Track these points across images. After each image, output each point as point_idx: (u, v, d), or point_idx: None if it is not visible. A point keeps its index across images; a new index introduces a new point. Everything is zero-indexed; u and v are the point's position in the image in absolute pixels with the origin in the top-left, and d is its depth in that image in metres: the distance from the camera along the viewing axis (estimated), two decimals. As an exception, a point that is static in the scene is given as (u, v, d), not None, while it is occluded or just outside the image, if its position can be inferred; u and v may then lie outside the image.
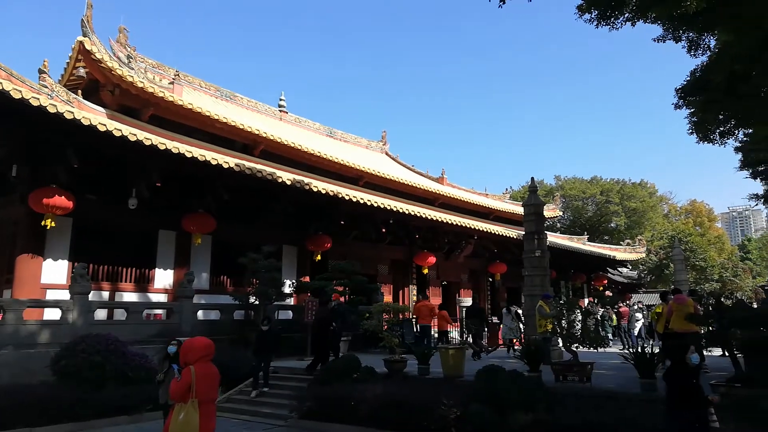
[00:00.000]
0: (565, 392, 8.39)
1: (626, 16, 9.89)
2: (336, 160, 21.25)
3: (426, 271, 22.74)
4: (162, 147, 12.28)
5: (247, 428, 9.81)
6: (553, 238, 30.55)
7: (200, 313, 14.39)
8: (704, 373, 10.33)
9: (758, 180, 19.47)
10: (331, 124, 30.30)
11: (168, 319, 13.73)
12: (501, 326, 17.22)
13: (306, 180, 15.79)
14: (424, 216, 19.28)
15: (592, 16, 9.98)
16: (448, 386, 9.25)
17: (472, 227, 22.00)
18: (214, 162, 13.31)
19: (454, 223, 20.89)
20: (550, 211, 35.77)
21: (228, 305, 14.92)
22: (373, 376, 10.34)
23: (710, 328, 8.83)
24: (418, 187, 25.21)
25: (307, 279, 18.00)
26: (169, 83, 17.80)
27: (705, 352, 10.99)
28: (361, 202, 16.80)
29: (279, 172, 15.16)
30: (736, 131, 12.17)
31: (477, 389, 8.43)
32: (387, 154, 33.22)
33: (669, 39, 10.53)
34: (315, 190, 15.58)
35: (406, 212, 18.62)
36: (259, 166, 14.81)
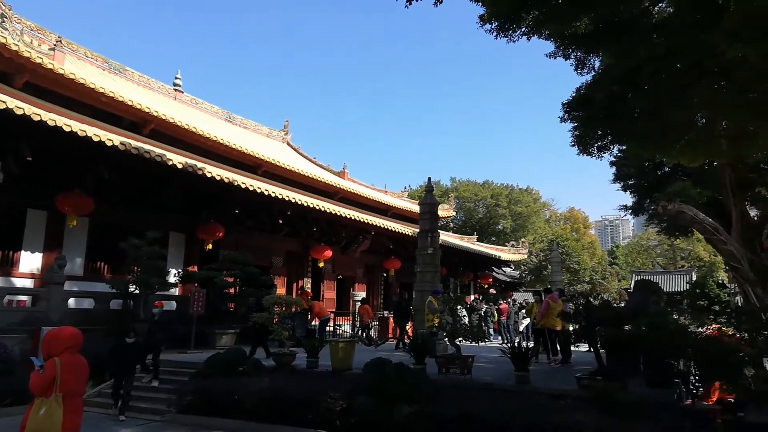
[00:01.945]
0: (447, 384, 8.74)
1: (523, 30, 10.43)
2: (234, 146, 20.49)
3: (322, 264, 22.65)
4: (36, 118, 11.10)
5: (120, 424, 9.19)
6: (446, 236, 31.76)
7: (72, 301, 13.26)
8: (570, 367, 11.29)
9: (628, 192, 21.55)
10: (231, 110, 29.00)
11: (34, 307, 12.49)
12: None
13: (199, 164, 15.05)
14: (323, 209, 19.16)
15: (492, 27, 10.43)
16: (336, 379, 9.32)
17: (371, 223, 22.24)
18: (96, 138, 12.25)
19: (353, 218, 20.99)
20: (445, 211, 37.14)
21: (104, 294, 13.85)
22: (260, 370, 10.14)
23: (579, 326, 9.58)
24: (319, 179, 25.03)
25: (195, 269, 17.20)
26: (50, 49, 16.12)
27: (573, 348, 12.02)
28: (259, 191, 16.34)
29: (170, 155, 14.30)
30: (612, 147, 13.20)
31: (364, 382, 8.54)
32: (289, 144, 32.64)
33: (560, 56, 11.21)
34: (209, 175, 14.90)
35: (305, 204, 18.40)
36: (147, 146, 13.88)
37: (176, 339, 13.94)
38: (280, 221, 19.34)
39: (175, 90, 25.28)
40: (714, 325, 11.82)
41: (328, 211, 19.42)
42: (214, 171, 15.27)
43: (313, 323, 16.85)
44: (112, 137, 12.77)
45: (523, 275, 49.41)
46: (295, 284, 22.32)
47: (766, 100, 9.93)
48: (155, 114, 17.63)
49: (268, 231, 20.11)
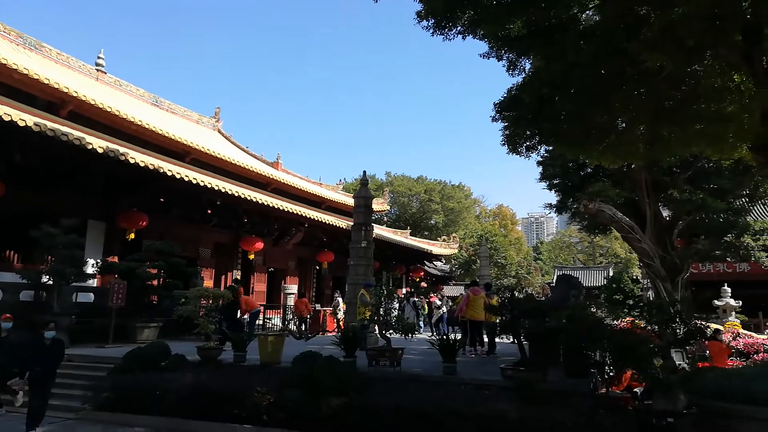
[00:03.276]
0: (377, 376, 8.79)
1: (459, 29, 10.61)
2: (160, 132, 19.60)
3: (252, 256, 22.15)
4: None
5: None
6: (380, 230, 31.94)
7: (-25, 292, 12.25)
8: (495, 358, 11.66)
9: (553, 191, 22.50)
10: (159, 94, 27.67)
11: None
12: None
13: (122, 150, 14.26)
14: (254, 200, 18.71)
15: (429, 24, 10.53)
16: (265, 373, 9.19)
17: (304, 215, 21.97)
18: (6, 118, 11.31)
19: (286, 210, 20.64)
20: (379, 204, 37.35)
21: (13, 284, 12.90)
22: (184, 364, 9.81)
23: (504, 318, 9.90)
24: (251, 169, 24.43)
25: (116, 259, 16.35)
26: (-48, 18, 14.74)
27: (498, 339, 12.42)
28: (186, 179, 15.71)
29: (90, 138, 13.46)
30: (540, 147, 13.71)
31: (293, 375, 8.46)
32: (220, 131, 31.64)
33: (493, 57, 11.48)
34: (132, 162, 14.15)
35: (236, 194, 17.89)
36: (65, 129, 13.00)
37: (93, 332, 13.22)
38: (209, 211, 18.74)
39: (98, 70, 23.82)
40: (628, 318, 12.56)
41: (259, 202, 18.99)
42: (138, 157, 14.53)
43: (244, 317, 16.49)
44: (25, 117, 11.85)
45: (454, 269, 50.65)
46: (223, 276, 21.73)
47: (680, 108, 10.64)
48: (74, 94, 16.55)
49: (196, 221, 19.43)
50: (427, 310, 21.78)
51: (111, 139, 15.22)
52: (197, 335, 12.79)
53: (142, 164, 14.40)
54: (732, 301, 20.11)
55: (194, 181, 16.00)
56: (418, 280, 39.26)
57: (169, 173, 15.19)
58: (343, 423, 7.60)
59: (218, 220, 19.90)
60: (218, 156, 22.47)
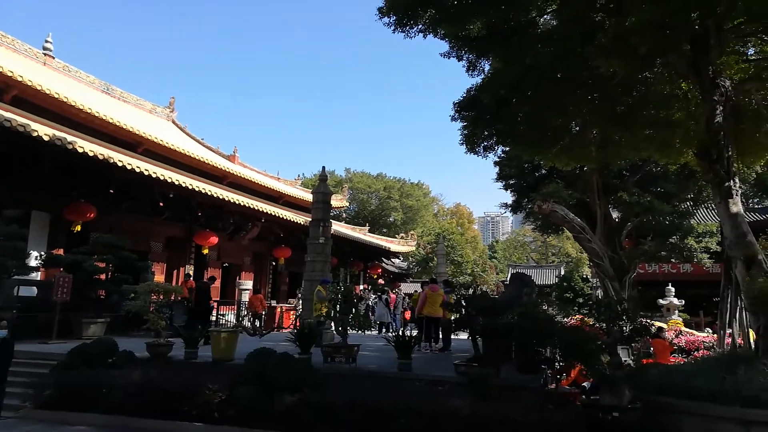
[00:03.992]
0: (332, 373, 8.76)
1: (420, 27, 10.65)
2: (111, 121, 18.90)
3: (206, 251, 21.64)
4: None
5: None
6: (338, 226, 31.82)
7: None
8: (450, 354, 11.80)
9: (509, 191, 22.95)
10: (111, 82, 26.62)
11: None
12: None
13: (70, 138, 13.66)
14: (209, 193, 18.28)
15: (391, 20, 10.53)
16: (217, 370, 9.01)
17: (261, 210, 21.61)
18: (-59, 99, 10.68)
19: (242, 204, 20.27)
20: (338, 201, 37.19)
21: (-52, 277, 12.19)
22: (132, 361, 9.50)
23: (459, 315, 10.03)
24: (206, 162, 23.87)
25: (61, 252, 15.68)
26: None
27: (453, 336, 12.57)
28: (138, 170, 15.19)
29: (35, 125, 12.84)
30: (497, 148, 13.96)
31: (246, 372, 8.32)
32: (174, 122, 30.79)
33: (453, 56, 11.59)
34: (80, 151, 13.57)
35: (190, 187, 17.41)
36: (8, 114, 12.35)
37: (36, 328, 12.64)
38: (162, 204, 18.19)
39: (45, 55, 22.75)
40: (577, 316, 12.93)
41: (214, 195, 18.57)
42: (87, 146, 13.95)
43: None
44: (-38, 100, 11.20)
45: (411, 266, 50.97)
46: (175, 271, 21.16)
47: (631, 113, 11.01)
48: (19, 78, 15.75)
49: (147, 214, 18.83)
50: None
51: (58, 127, 14.57)
52: (147, 331, 12.43)
53: (91, 154, 13.84)
54: (675, 300, 21.01)
55: (146, 173, 15.50)
56: (375, 277, 39.32)
57: (120, 164, 14.67)
58: (298, 420, 7.53)
59: (171, 213, 19.36)
60: (172, 147, 21.85)
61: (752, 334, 8.81)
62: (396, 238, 42.57)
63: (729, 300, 9.41)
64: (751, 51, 10.80)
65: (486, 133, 12.70)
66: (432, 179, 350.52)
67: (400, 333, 9.56)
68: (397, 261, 46.00)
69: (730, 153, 9.23)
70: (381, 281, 38.76)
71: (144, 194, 17.35)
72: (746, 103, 10.66)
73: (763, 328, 7.99)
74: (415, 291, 21.49)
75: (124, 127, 19.52)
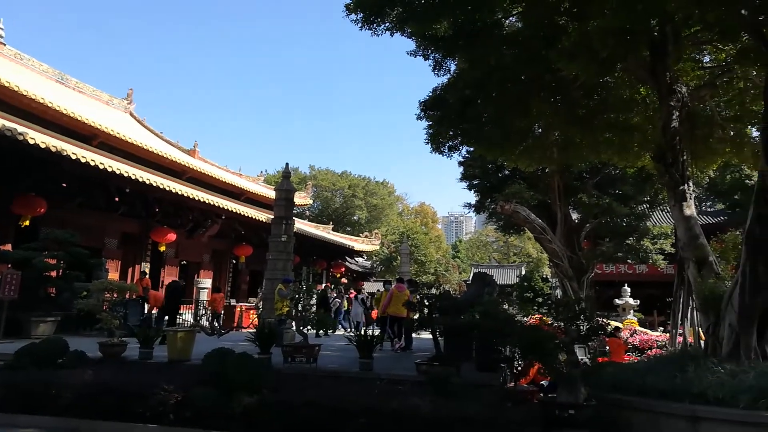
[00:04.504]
0: (293, 373, 8.63)
1: (387, 25, 10.60)
2: (65, 112, 18.18)
3: (163, 248, 21.06)
4: None
5: None
6: (301, 224, 31.52)
7: None
8: (411, 353, 11.81)
9: (472, 191, 23.22)
10: (66, 71, 25.64)
11: None
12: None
13: (21, 129, 13.05)
14: (167, 188, 17.77)
15: (358, 18, 10.46)
16: (173, 370, 8.76)
17: (222, 206, 21.18)
18: None
19: (202, 200, 19.80)
20: (302, 198, 36.86)
21: None
22: (84, 361, 9.14)
23: (421, 314, 10.03)
24: (165, 156, 23.23)
25: (9, 247, 14.99)
26: None
27: (415, 335, 12.59)
28: (92, 164, 14.63)
29: (-19, 113, 12.24)
30: (461, 148, 14.07)
31: (203, 372, 8.11)
32: (132, 114, 29.88)
33: (420, 55, 11.59)
34: (32, 142, 12.98)
35: (147, 182, 16.89)
36: (-49, 101, 11.73)
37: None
38: (117, 199, 17.64)
39: (-5, 41, 21.75)
40: (537, 315, 13.14)
41: (173, 191, 18.07)
42: (39, 137, 13.36)
43: (152, 312, 15.72)
44: None
45: (375, 265, 51.00)
46: (131, 269, 20.54)
47: (592, 116, 11.25)
48: (-36, 64, 14.97)
49: (101, 209, 18.22)
50: (346, 305, 21.72)
51: (9, 117, 13.91)
52: (100, 331, 12.00)
53: (42, 146, 13.25)
54: (631, 300, 21.64)
55: (101, 166, 14.95)
56: (339, 275, 39.17)
57: (73, 156, 14.10)
58: (256, 420, 7.38)
59: (127, 208, 18.78)
60: (129, 140, 21.18)
61: (702, 334, 9.12)
62: (360, 236, 42.50)
63: (681, 300, 9.72)
64: (707, 59, 11.20)
65: (451, 132, 12.76)
66: (397, 178, 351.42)
67: (363, 332, 9.49)
68: (360, 260, 45.94)
69: (684, 157, 9.53)
70: (344, 280, 38.62)
71: (98, 188, 16.77)
72: (701, 110, 11.04)
73: (712, 328, 8.27)
74: (378, 290, 21.44)
75: (79, 118, 18.82)
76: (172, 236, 20.66)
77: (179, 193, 18.45)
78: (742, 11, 7.81)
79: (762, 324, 7.73)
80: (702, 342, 8.99)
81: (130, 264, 20.58)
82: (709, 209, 34.10)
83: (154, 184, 17.24)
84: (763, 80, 8.49)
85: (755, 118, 10.87)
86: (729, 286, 8.11)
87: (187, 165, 24.69)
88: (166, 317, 15.13)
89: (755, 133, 11.44)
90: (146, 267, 20.60)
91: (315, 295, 19.46)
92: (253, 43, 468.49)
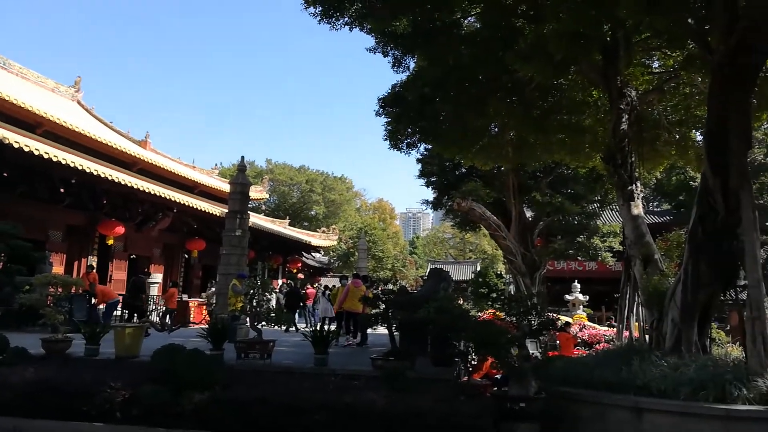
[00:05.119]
0: (246, 369, 8.50)
1: (346, 19, 10.54)
2: (6, 98, 17.27)
3: (111, 241, 20.32)
4: None
5: None
6: (257, 219, 31.06)
7: None
8: (367, 349, 11.84)
9: (430, 188, 23.44)
10: (8, 56, 24.32)
11: None
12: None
13: (-44, 113, 12.37)
14: (116, 180, 17.16)
15: (317, 11, 10.35)
16: (120, 367, 8.51)
17: (174, 199, 20.60)
18: None
19: (153, 193, 19.21)
20: (258, 192, 36.28)
21: None
22: (25, 358, 8.75)
23: (377, 309, 10.06)
24: (114, 147, 22.40)
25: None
26: None
27: (371, 331, 12.62)
28: (36, 153, 13.98)
29: None
30: (420, 145, 14.17)
31: (152, 369, 7.90)
32: (80, 103, 28.69)
33: (379, 52, 11.59)
34: (-31, 128, 12.32)
35: (94, 173, 16.25)
36: None
37: None
38: (62, 190, 16.91)
39: (-72, 18, 20.45)
40: (491, 310, 13.38)
41: (122, 182, 17.46)
42: (-23, 123, 12.68)
43: (99, 307, 15.14)
44: None
45: (332, 261, 50.81)
46: (77, 262, 19.76)
47: (546, 117, 11.53)
48: None
49: (45, 200, 17.44)
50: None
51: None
52: (43, 326, 11.50)
53: (-20, 132, 12.58)
54: (580, 296, 22.29)
55: (45, 156, 14.31)
56: (295, 271, 38.81)
57: (16, 145, 13.46)
58: (207, 418, 7.24)
59: (73, 200, 18.03)
60: (76, 129, 20.31)
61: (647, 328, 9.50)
62: (317, 232, 42.22)
63: (627, 296, 10.08)
64: (656, 64, 11.66)
65: (409, 129, 12.85)
66: (356, 174, 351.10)
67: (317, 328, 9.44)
68: (317, 255, 45.69)
69: (633, 159, 9.90)
70: (301, 275, 38.31)
71: (42, 179, 16.06)
72: (649, 113, 11.49)
73: (656, 323, 8.62)
74: (333, 285, 21.36)
75: (22, 105, 17.93)
76: (120, 229, 19.97)
77: (128, 184, 17.85)
78: (689, 20, 8.17)
79: (702, 319, 8.13)
80: (647, 336, 9.36)
81: (75, 257, 19.79)
82: (655, 209, 35.57)
83: (102, 175, 16.62)
84: (707, 86, 8.89)
85: (699, 122, 11.41)
86: (672, 283, 8.47)
87: (137, 156, 23.89)
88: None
89: (699, 137, 12.00)
90: (93, 261, 19.85)
91: (284, 292, 19.42)
92: (210, 36, 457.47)
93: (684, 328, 7.92)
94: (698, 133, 12.15)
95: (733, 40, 7.27)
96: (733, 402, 6.40)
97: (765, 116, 11.17)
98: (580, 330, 15.33)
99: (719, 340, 10.32)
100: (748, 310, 7.24)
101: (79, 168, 15.53)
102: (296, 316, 19.16)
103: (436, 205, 23.87)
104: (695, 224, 8.04)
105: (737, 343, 9.64)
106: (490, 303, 10.61)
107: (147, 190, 18.79)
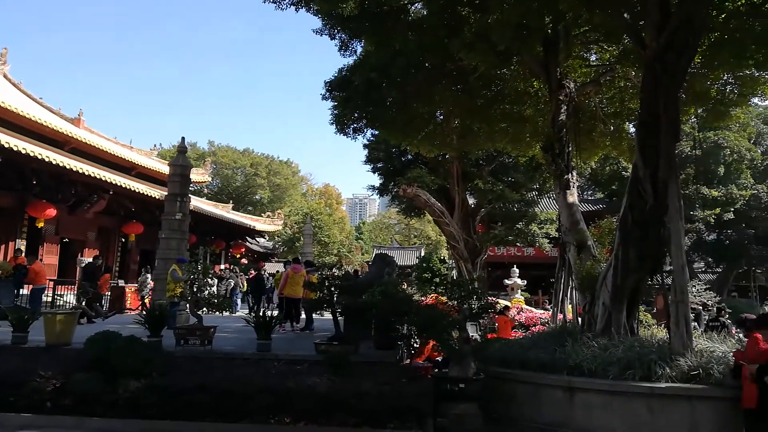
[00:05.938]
0: (185, 356, 8.32)
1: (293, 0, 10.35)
2: None
3: (41, 224, 19.25)
4: None
5: None
6: (198, 202, 30.21)
7: None
8: (312, 334, 11.83)
9: (376, 174, 23.49)
10: None
11: None
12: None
13: None
14: (46, 159, 16.21)
15: (262, -12, 10.09)
16: (51, 356, 8.16)
17: (108, 180, 19.68)
18: None
19: (86, 173, 18.28)
20: (199, 175, 35.26)
21: None
22: (-57, 348, 8.22)
23: (322, 294, 10.03)
24: (45, 124, 21.13)
25: None
26: None
27: (316, 315, 12.60)
28: (-45, 128, 13.03)
29: None
30: (366, 130, 14.14)
31: (86, 357, 7.61)
32: (6, 76, 26.82)
33: (326, 34, 11.43)
34: None
35: (22, 152, 15.30)
36: None
37: None
38: (-13, 169, 15.85)
39: None
40: (434, 295, 13.64)
41: (53, 162, 16.52)
42: None
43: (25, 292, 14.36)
44: None
45: (277, 246, 50.15)
46: (3, 246, 18.62)
47: (489, 106, 11.77)
48: None
49: (-33, 180, 16.30)
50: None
51: None
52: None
53: None
54: (519, 281, 23.07)
55: (-34, 132, 13.34)
56: (238, 256, 38.10)
57: (-69, 118, 12.45)
58: (143, 406, 7.05)
59: (-1, 180, 16.95)
60: (1, 105, 19.04)
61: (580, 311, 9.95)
62: (262, 216, 41.52)
63: (562, 280, 10.51)
64: (593, 57, 12.09)
65: (356, 114, 12.79)
66: (302, 158, 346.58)
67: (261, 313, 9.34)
68: (262, 240, 44.98)
69: (570, 149, 10.28)
70: (244, 261, 37.65)
71: (-37, 157, 14.98)
72: (586, 105, 11.92)
73: (588, 306, 9.05)
74: (277, 271, 21.13)
75: (-62, 75, 16.60)
76: (52, 212, 18.93)
77: (60, 164, 16.92)
78: (625, 14, 8.50)
79: (631, 303, 8.59)
80: (579, 319, 9.81)
81: (2, 241, 18.64)
82: (589, 197, 37.15)
83: (31, 154, 15.67)
84: (640, 80, 9.31)
85: (633, 115, 11.94)
86: (604, 268, 8.90)
87: (69, 134, 22.64)
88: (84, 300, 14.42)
89: (632, 129, 12.57)
90: (22, 245, 18.77)
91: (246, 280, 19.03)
92: (149, 12, 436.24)
93: (614, 311, 8.35)
94: (631, 125, 12.71)
95: (664, 37, 7.63)
96: (657, 380, 6.82)
97: (692, 110, 11.80)
98: (518, 313, 15.89)
99: (646, 322, 10.92)
100: (673, 294, 7.69)
101: (6, 146, 14.58)
102: (250, 301, 18.84)
103: (382, 191, 23.94)
104: (625, 212, 8.43)
105: (662, 325, 10.22)
106: (433, 288, 10.81)
107: (80, 171, 17.86)
